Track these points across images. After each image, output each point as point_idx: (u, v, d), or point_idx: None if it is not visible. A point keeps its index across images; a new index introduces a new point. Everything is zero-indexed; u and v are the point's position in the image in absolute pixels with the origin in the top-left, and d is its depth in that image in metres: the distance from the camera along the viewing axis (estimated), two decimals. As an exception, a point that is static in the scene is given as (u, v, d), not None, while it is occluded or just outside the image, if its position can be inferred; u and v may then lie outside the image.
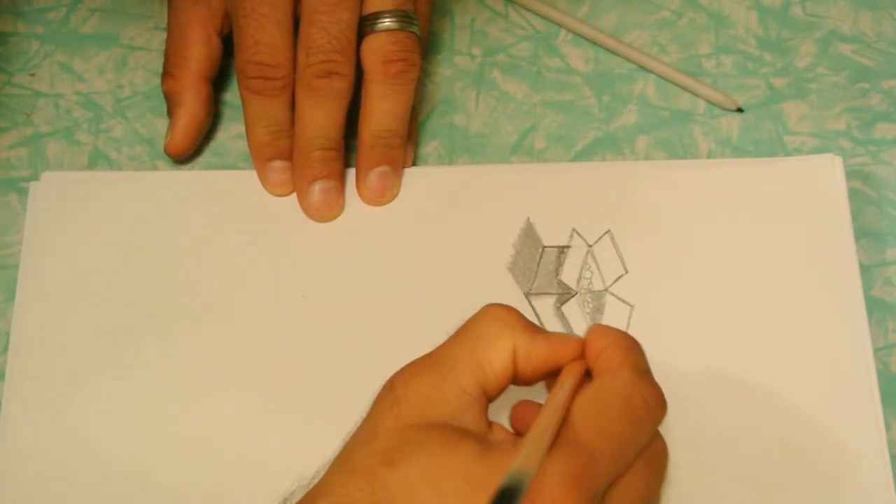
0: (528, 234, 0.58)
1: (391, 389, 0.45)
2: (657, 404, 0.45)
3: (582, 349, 0.47)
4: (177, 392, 0.54)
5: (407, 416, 0.44)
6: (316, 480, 0.44)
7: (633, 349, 0.47)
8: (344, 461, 0.44)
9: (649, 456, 0.45)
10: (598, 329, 0.47)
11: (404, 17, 0.57)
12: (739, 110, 0.62)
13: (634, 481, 0.44)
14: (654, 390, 0.45)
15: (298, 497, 0.44)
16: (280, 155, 0.58)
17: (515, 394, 0.47)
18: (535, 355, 0.46)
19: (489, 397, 0.45)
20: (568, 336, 0.47)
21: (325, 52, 0.56)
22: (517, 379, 0.46)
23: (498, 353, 0.45)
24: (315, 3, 0.56)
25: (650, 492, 0.45)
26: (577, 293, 0.56)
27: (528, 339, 0.45)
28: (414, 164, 0.60)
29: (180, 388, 0.54)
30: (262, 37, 0.56)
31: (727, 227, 0.57)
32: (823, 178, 0.58)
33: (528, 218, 0.58)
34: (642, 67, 0.63)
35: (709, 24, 0.64)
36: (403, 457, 0.42)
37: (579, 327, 0.55)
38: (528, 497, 0.39)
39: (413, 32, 0.57)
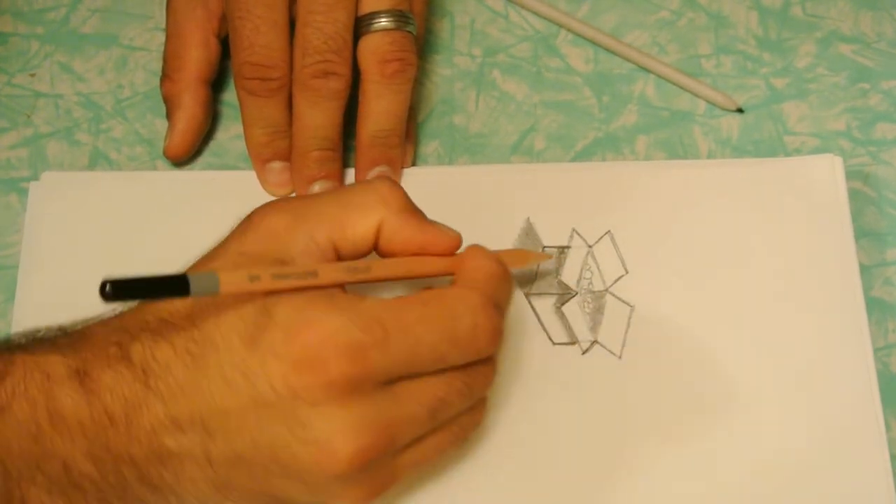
0: (528, 234, 0.58)
1: (249, 218, 0.47)
2: (486, 336, 0.46)
3: (453, 248, 0.48)
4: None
5: (248, 244, 0.46)
6: None
7: (498, 279, 0.48)
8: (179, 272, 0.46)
9: (466, 375, 0.46)
10: (480, 250, 0.48)
11: (400, 17, 0.57)
12: (739, 110, 0.62)
13: (436, 388, 0.45)
14: (491, 322, 0.46)
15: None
16: (278, 156, 0.58)
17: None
18: (399, 237, 0.47)
19: (339, 256, 0.47)
20: (444, 232, 0.48)
21: (321, 53, 0.56)
22: (379, 251, 0.48)
23: (363, 222, 0.47)
24: (310, 3, 0.56)
25: (450, 402, 0.46)
26: (577, 293, 0.56)
27: (400, 220, 0.47)
28: (414, 164, 0.60)
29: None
30: (258, 38, 0.56)
31: (727, 228, 0.57)
32: (823, 178, 0.58)
33: (528, 218, 0.58)
34: (642, 67, 0.63)
35: (709, 24, 0.64)
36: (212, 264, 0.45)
37: (580, 327, 0.55)
38: (301, 347, 0.42)
39: (409, 32, 0.57)
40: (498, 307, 0.47)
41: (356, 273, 0.46)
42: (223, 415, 0.43)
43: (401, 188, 0.48)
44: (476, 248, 0.49)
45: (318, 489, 0.44)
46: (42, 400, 0.43)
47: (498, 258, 0.48)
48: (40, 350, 0.45)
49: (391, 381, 0.45)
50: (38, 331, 0.47)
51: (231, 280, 0.42)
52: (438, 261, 0.48)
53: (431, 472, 0.52)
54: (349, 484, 0.44)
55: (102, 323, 0.46)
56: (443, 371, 0.46)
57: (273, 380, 0.43)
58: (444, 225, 0.49)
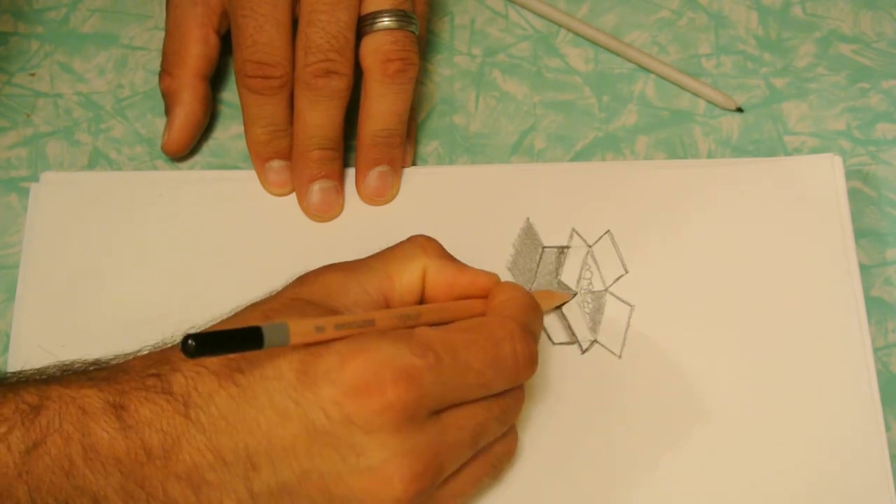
0: (528, 234, 0.58)
1: (302, 276, 0.48)
2: (525, 362, 0.47)
3: (490, 287, 0.50)
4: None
5: (303, 293, 0.47)
6: None
7: (530, 310, 0.49)
8: (231, 316, 0.47)
9: (503, 402, 0.47)
10: (508, 284, 0.50)
11: (403, 17, 0.57)
12: (739, 110, 0.62)
13: (477, 415, 0.46)
14: (529, 349, 0.47)
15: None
16: (279, 155, 0.58)
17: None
18: (443, 280, 0.49)
19: (388, 306, 0.48)
20: (481, 272, 0.50)
21: (324, 52, 0.56)
22: (425, 301, 0.50)
23: (408, 271, 0.49)
24: (314, 2, 0.56)
25: (489, 428, 0.47)
26: (577, 293, 0.56)
27: (440, 265, 0.49)
28: (414, 163, 0.60)
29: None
30: (261, 36, 0.56)
31: (727, 227, 0.57)
32: (823, 177, 0.58)
33: (528, 218, 0.58)
34: (642, 67, 0.63)
35: (709, 24, 0.64)
36: (280, 316, 0.45)
37: (579, 327, 0.55)
38: (357, 372, 0.42)
39: (412, 31, 0.57)
40: (533, 335, 0.48)
41: (408, 319, 0.47)
42: (270, 444, 0.43)
43: (434, 239, 0.51)
44: (508, 283, 0.50)
45: None
46: (77, 435, 0.43)
47: (528, 292, 0.50)
48: (76, 383, 0.44)
49: (440, 408, 0.45)
50: (74, 363, 0.47)
51: (299, 331, 0.43)
52: (479, 302, 0.50)
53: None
54: None
55: (141, 357, 0.46)
56: (483, 398, 0.46)
57: (327, 406, 0.43)
58: (474, 268, 0.50)
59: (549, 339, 0.55)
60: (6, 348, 0.56)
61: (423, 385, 0.43)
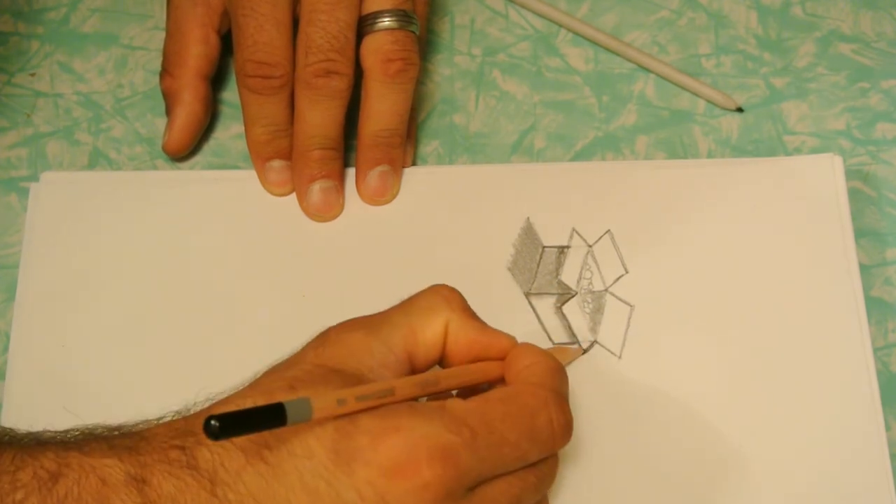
0: (528, 234, 0.58)
1: (324, 335, 0.46)
2: (561, 430, 0.46)
3: (509, 350, 0.48)
4: (177, 392, 0.54)
5: (327, 357, 0.45)
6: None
7: (557, 374, 0.48)
8: (254, 383, 0.45)
9: (538, 471, 0.46)
10: (528, 346, 0.48)
11: (403, 17, 0.57)
12: (739, 110, 0.62)
13: (513, 487, 0.45)
14: (565, 416, 0.46)
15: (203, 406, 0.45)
16: (279, 154, 0.58)
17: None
18: (464, 337, 0.47)
19: (414, 364, 0.47)
20: (501, 333, 0.48)
21: (324, 52, 0.56)
22: (445, 357, 0.48)
23: (432, 325, 0.47)
24: (314, 2, 0.56)
25: (524, 500, 0.46)
26: (577, 293, 0.56)
27: (462, 320, 0.48)
28: (414, 163, 0.60)
29: (181, 388, 0.54)
30: (261, 36, 0.56)
31: (727, 227, 0.57)
32: (823, 177, 0.58)
33: (528, 218, 0.58)
34: (642, 67, 0.63)
35: (709, 23, 0.64)
36: (305, 386, 0.43)
37: (579, 327, 0.55)
38: (392, 451, 0.41)
39: (412, 31, 0.57)
40: (565, 399, 0.47)
41: (427, 387, 0.46)
42: None
43: (456, 290, 0.49)
44: (527, 346, 0.49)
45: None
46: None
47: (551, 355, 0.49)
48: (97, 452, 0.42)
49: (477, 484, 0.44)
50: (96, 428, 0.45)
51: (322, 406, 0.41)
52: (497, 365, 0.48)
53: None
54: None
55: (164, 425, 0.44)
56: (513, 473, 0.45)
57: (360, 486, 0.41)
58: (494, 328, 0.49)
59: (550, 339, 0.55)
60: (6, 348, 0.56)
61: (460, 462, 0.42)
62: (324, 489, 0.41)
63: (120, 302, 0.56)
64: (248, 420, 0.39)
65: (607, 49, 0.64)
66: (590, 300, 0.56)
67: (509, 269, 0.57)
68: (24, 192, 0.60)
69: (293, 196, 0.59)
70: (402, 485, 0.41)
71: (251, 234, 0.58)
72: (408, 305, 0.48)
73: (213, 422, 0.38)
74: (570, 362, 0.55)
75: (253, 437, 0.42)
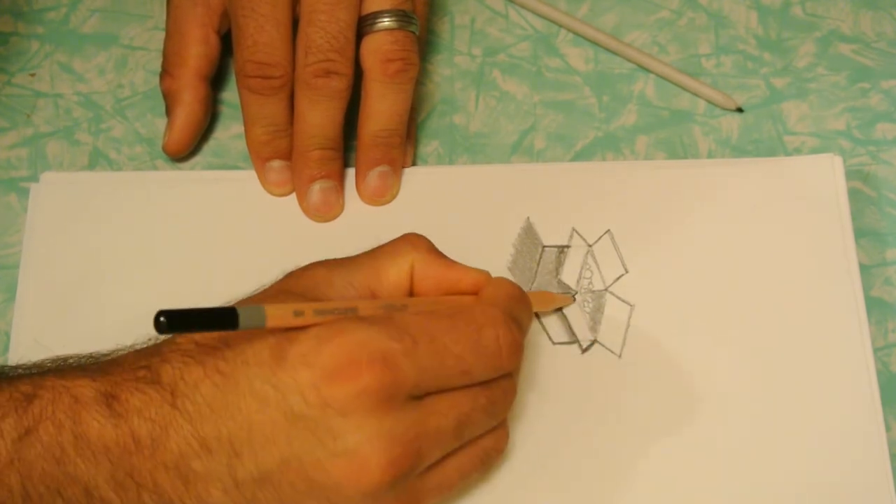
0: (528, 234, 0.58)
1: (291, 271, 0.48)
2: (508, 349, 0.46)
3: (480, 284, 0.49)
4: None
5: (290, 285, 0.47)
6: None
7: (516, 300, 0.49)
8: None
9: (489, 391, 0.47)
10: (498, 278, 0.50)
11: (403, 17, 0.57)
12: (739, 110, 0.62)
13: (461, 403, 0.46)
14: (512, 335, 0.47)
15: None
16: (279, 154, 0.58)
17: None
18: (430, 275, 0.49)
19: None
20: (471, 269, 0.50)
21: (324, 52, 0.56)
22: (413, 296, 0.49)
23: (396, 266, 0.49)
24: (314, 2, 0.56)
25: (475, 419, 0.46)
26: (577, 293, 0.56)
27: (428, 260, 0.49)
28: (414, 164, 0.60)
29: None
30: (261, 36, 0.56)
31: (727, 227, 0.57)
32: (823, 177, 0.58)
33: (528, 218, 0.58)
34: (642, 67, 0.63)
35: (709, 24, 0.64)
36: (264, 302, 0.44)
37: (579, 327, 0.55)
38: (333, 354, 0.42)
39: (412, 32, 0.57)
40: (518, 323, 0.48)
41: (394, 311, 0.46)
42: (251, 431, 0.43)
43: (424, 236, 0.50)
44: (499, 277, 0.50)
45: None
46: (68, 423, 0.43)
47: (517, 285, 0.50)
48: (70, 374, 0.45)
49: (419, 394, 0.45)
50: (70, 357, 0.47)
51: (276, 314, 0.43)
52: (469, 298, 0.49)
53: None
54: (376, 503, 0.44)
55: (135, 351, 0.46)
56: (467, 386, 0.46)
57: (304, 390, 0.43)
58: (463, 264, 0.50)
59: (550, 339, 0.55)
60: (6, 348, 0.56)
61: (400, 368, 0.43)
62: (271, 394, 0.43)
63: (120, 302, 0.56)
64: (199, 319, 0.41)
65: (607, 49, 0.64)
66: (590, 300, 0.56)
67: (509, 269, 0.57)
68: (24, 193, 0.60)
69: (293, 196, 0.59)
70: (342, 388, 0.42)
71: (251, 234, 0.58)
72: (375, 250, 0.50)
73: (161, 318, 0.40)
74: (557, 308, 0.55)
75: (212, 352, 0.44)
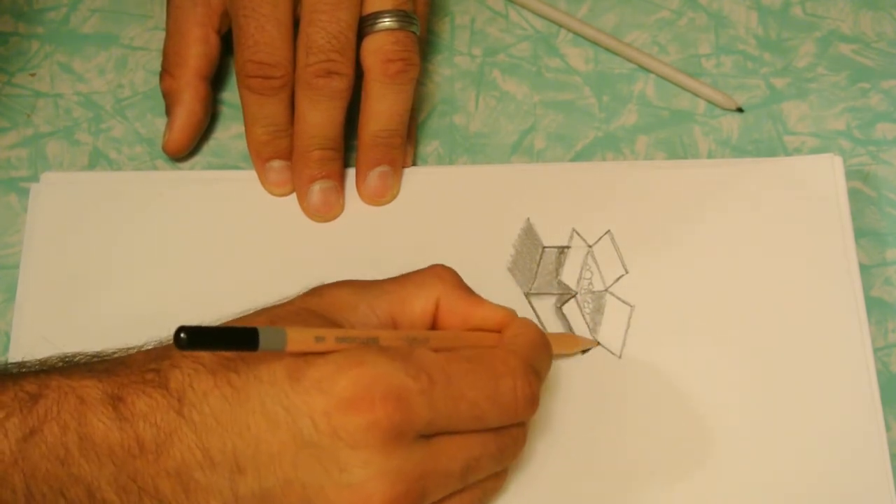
0: (528, 234, 0.58)
1: (316, 287, 0.48)
2: (524, 401, 0.46)
3: (505, 323, 0.49)
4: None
5: (313, 304, 0.47)
6: None
7: (538, 348, 0.49)
8: (240, 317, 0.47)
9: (500, 439, 0.47)
10: (521, 320, 0.50)
11: (404, 17, 0.57)
12: (739, 110, 0.62)
13: (471, 447, 0.46)
14: (530, 388, 0.47)
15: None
16: (279, 155, 0.58)
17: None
18: (456, 312, 0.49)
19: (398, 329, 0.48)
20: (498, 307, 0.49)
21: (325, 52, 0.56)
22: (435, 327, 0.49)
23: (421, 298, 0.48)
24: (315, 2, 0.56)
25: (483, 464, 0.46)
26: (577, 293, 0.56)
27: (455, 296, 0.49)
28: (414, 164, 0.60)
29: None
30: (262, 36, 0.56)
31: (727, 227, 0.57)
32: (823, 177, 0.58)
33: (528, 218, 0.58)
34: (642, 67, 0.63)
35: (709, 24, 0.64)
36: (285, 322, 0.45)
37: (579, 327, 0.55)
38: (349, 384, 0.42)
39: (413, 32, 0.57)
40: (537, 374, 0.48)
41: (415, 343, 0.46)
42: (257, 449, 0.43)
43: (453, 270, 0.50)
44: (522, 318, 0.50)
45: None
46: (73, 424, 0.43)
47: (540, 330, 0.50)
48: (76, 374, 0.44)
49: (430, 434, 0.45)
50: (76, 355, 0.47)
51: (298, 338, 0.42)
52: (492, 336, 0.49)
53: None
54: None
55: (143, 352, 0.46)
56: (478, 431, 0.46)
57: (315, 416, 0.42)
58: (490, 302, 0.50)
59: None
60: (6, 348, 0.56)
61: (413, 407, 0.43)
62: (282, 415, 0.43)
63: (120, 302, 0.56)
64: (219, 338, 0.40)
65: (607, 49, 0.64)
66: (590, 300, 0.56)
67: (509, 269, 0.57)
68: (24, 193, 0.60)
69: (293, 196, 0.59)
70: (353, 419, 0.42)
71: (251, 234, 0.58)
72: (402, 278, 0.49)
73: (182, 334, 0.40)
74: (579, 350, 0.55)
75: (224, 362, 0.44)
